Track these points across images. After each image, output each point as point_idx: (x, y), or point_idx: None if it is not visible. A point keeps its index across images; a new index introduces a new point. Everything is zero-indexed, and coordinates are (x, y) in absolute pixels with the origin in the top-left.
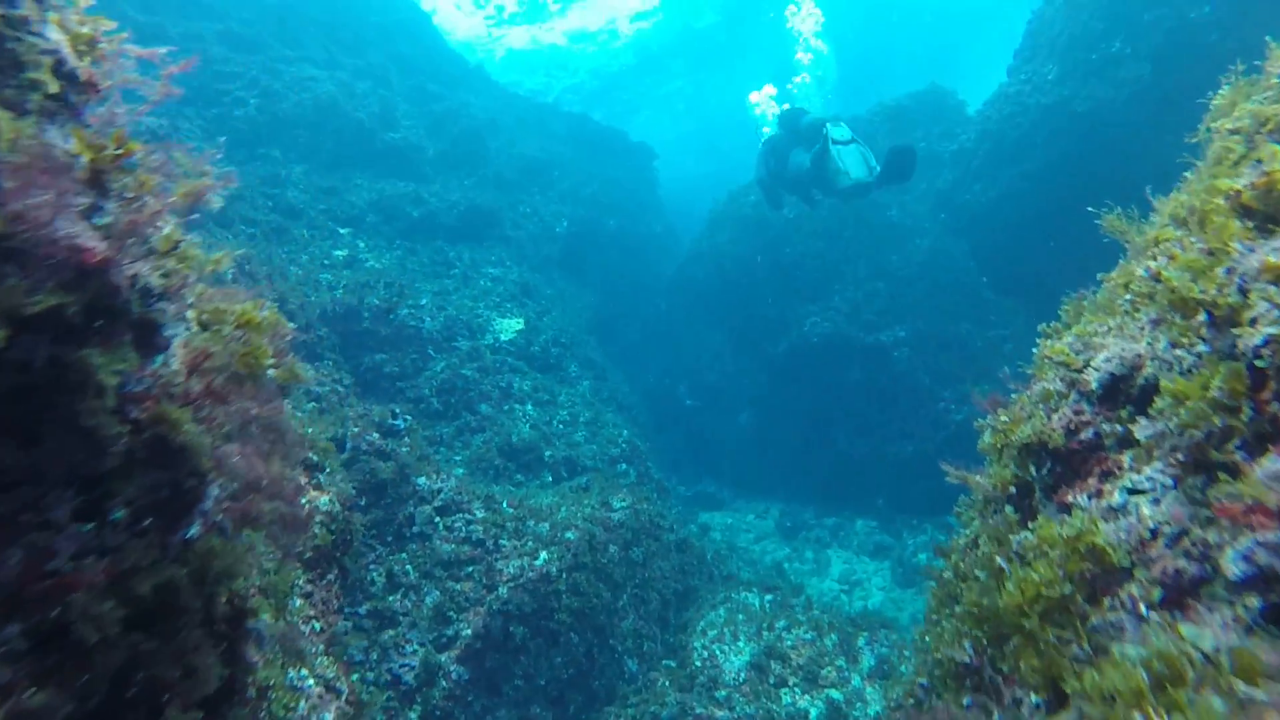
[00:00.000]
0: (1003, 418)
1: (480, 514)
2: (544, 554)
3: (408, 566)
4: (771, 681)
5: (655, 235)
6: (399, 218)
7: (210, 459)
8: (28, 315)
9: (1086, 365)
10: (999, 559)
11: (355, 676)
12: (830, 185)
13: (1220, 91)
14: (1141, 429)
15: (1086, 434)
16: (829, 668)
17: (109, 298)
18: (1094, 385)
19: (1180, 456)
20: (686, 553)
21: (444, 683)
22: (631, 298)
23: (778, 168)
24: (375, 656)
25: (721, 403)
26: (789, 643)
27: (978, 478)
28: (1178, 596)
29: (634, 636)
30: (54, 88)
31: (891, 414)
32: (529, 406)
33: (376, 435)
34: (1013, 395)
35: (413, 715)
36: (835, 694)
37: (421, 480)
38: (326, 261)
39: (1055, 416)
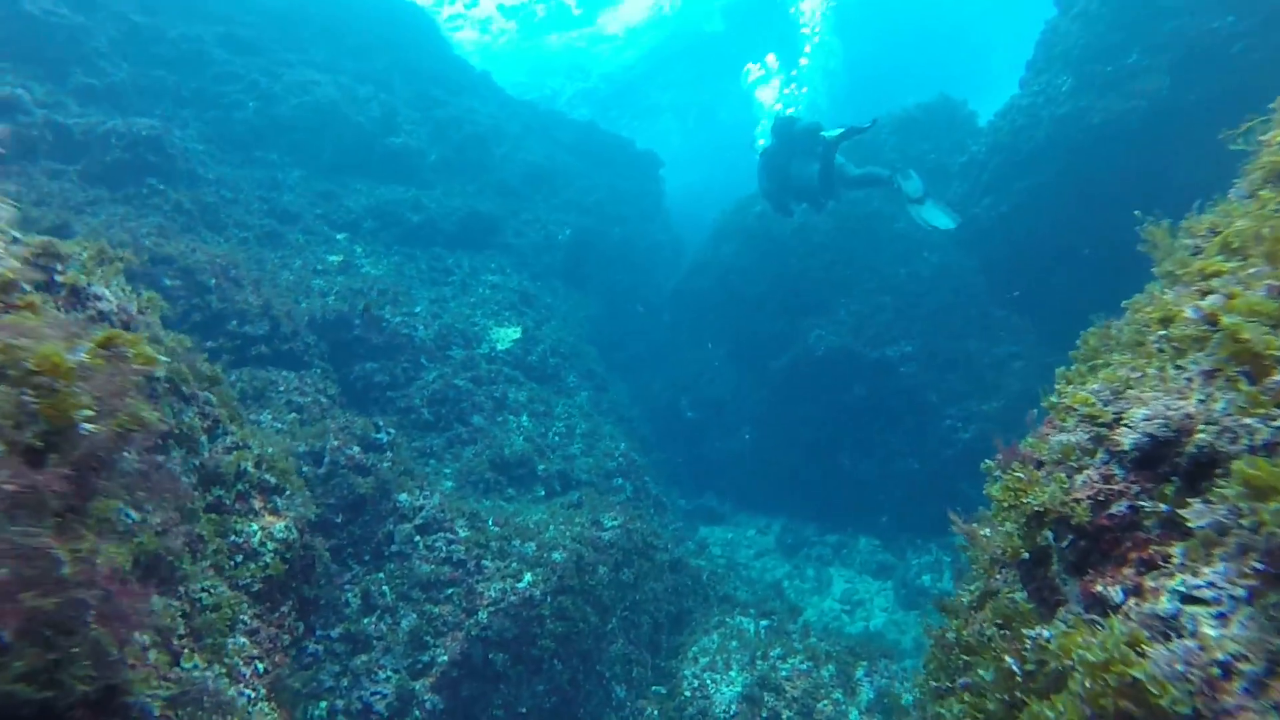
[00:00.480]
0: (1016, 474)
1: (463, 533)
2: (528, 576)
3: (384, 587)
4: (764, 715)
5: (660, 245)
6: (397, 224)
7: None
8: None
9: (1118, 421)
10: (1008, 659)
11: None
12: (845, 175)
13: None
14: (1196, 515)
15: (1119, 507)
16: (825, 701)
17: None
18: (1127, 446)
19: (1257, 562)
20: (681, 573)
21: (417, 712)
22: (634, 309)
23: (783, 176)
24: (346, 683)
25: (724, 416)
26: (784, 673)
27: (984, 533)
28: None
29: (622, 662)
30: None
31: (897, 431)
32: (524, 418)
33: (357, 449)
34: (1025, 439)
35: None
36: None
37: (403, 497)
38: (320, 267)
39: (1080, 480)
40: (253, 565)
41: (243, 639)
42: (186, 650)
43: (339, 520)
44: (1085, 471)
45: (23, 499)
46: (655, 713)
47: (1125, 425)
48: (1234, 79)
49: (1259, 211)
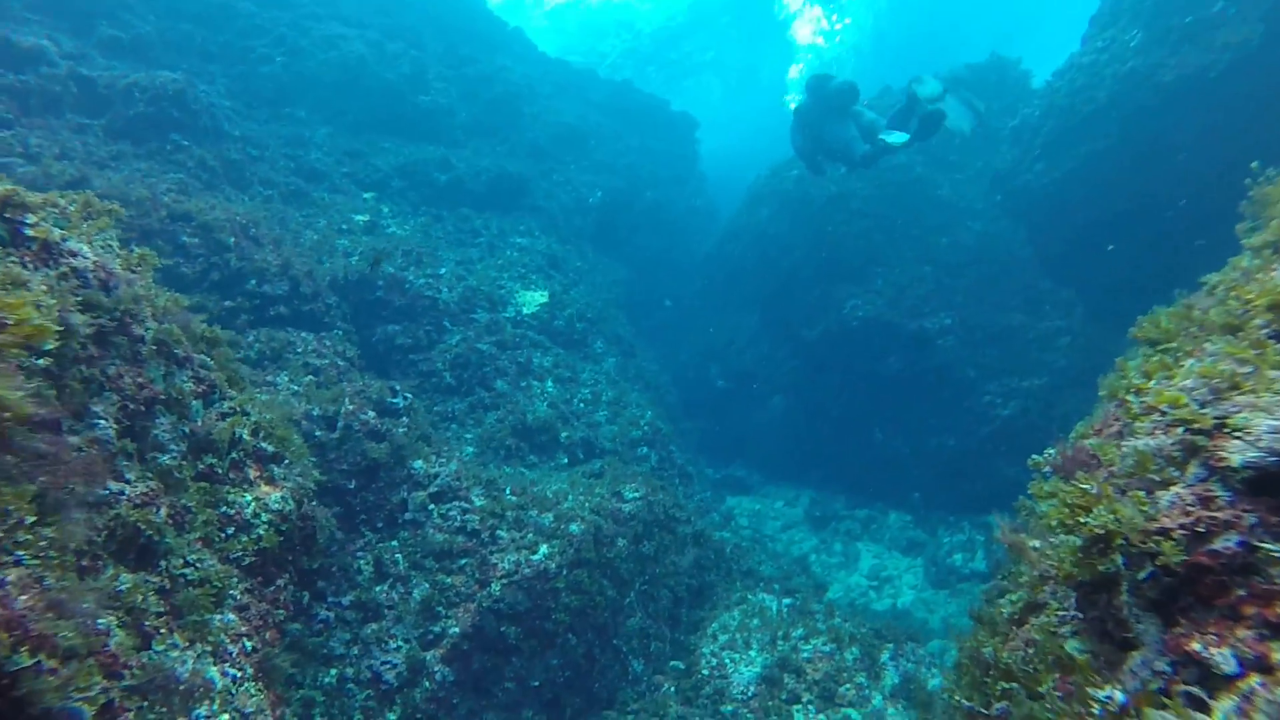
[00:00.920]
0: (1080, 486)
1: (479, 502)
2: (544, 548)
3: (397, 556)
4: (783, 697)
5: (695, 209)
6: (425, 184)
7: None
8: None
9: (1221, 428)
10: None
11: (332, 674)
12: (884, 142)
13: None
14: None
15: (1227, 542)
16: (848, 684)
17: None
18: (1237, 463)
19: None
20: (704, 546)
21: (427, 683)
22: (667, 273)
23: (814, 135)
24: (356, 651)
25: (754, 385)
26: (805, 654)
27: (1034, 545)
28: None
29: (640, 636)
30: None
31: (932, 406)
32: (548, 384)
33: (373, 414)
34: (1077, 431)
35: (391, 717)
36: (853, 714)
37: (418, 464)
38: (345, 226)
39: (1166, 500)
40: (245, 538)
41: (231, 615)
42: (163, 630)
43: (352, 486)
44: (1173, 488)
45: None
46: (672, 689)
47: (1234, 435)
48: None
49: None
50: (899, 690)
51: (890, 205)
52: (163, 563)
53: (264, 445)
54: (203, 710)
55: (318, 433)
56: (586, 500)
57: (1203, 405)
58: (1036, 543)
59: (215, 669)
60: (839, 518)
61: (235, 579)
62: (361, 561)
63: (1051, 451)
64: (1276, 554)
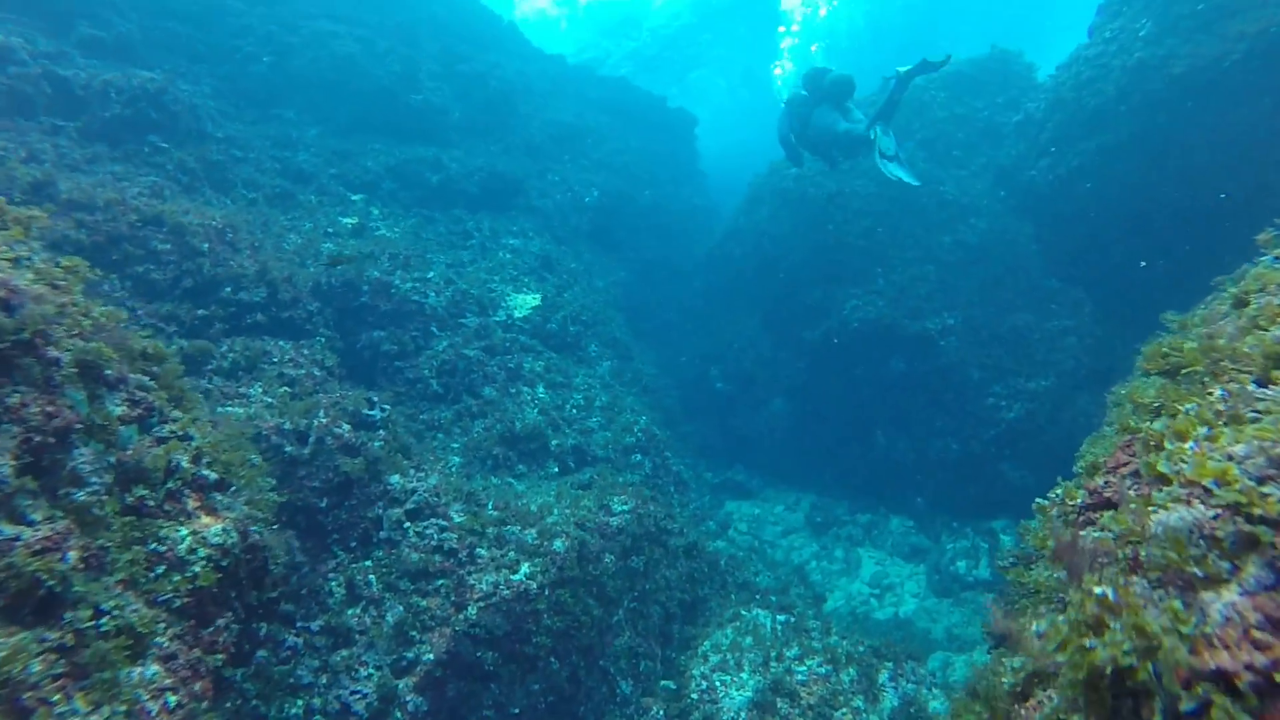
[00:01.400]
0: (1085, 596)
1: (458, 519)
2: (525, 567)
3: (370, 577)
4: None
5: (694, 208)
6: (417, 184)
7: None
8: None
9: None
10: None
11: (299, 704)
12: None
13: None
14: None
15: None
16: (844, 709)
17: None
18: None
19: None
20: (696, 559)
21: (399, 714)
22: (668, 274)
23: (801, 127)
24: (325, 681)
25: (755, 388)
26: (800, 676)
27: (1033, 630)
28: None
29: (629, 656)
30: None
31: (936, 408)
32: (539, 389)
33: (347, 427)
34: (1077, 475)
35: None
36: None
37: (394, 479)
38: (331, 230)
39: (1217, 613)
40: (178, 577)
41: (154, 668)
42: (55, 697)
43: (323, 505)
44: (1224, 594)
45: None
46: (661, 713)
47: None
48: None
49: None
50: (898, 714)
51: (891, 203)
52: (68, 615)
53: (206, 472)
54: None
55: (288, 448)
56: (572, 514)
57: (1262, 482)
58: (1040, 626)
59: None
60: (840, 523)
61: (163, 624)
62: (333, 583)
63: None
64: None
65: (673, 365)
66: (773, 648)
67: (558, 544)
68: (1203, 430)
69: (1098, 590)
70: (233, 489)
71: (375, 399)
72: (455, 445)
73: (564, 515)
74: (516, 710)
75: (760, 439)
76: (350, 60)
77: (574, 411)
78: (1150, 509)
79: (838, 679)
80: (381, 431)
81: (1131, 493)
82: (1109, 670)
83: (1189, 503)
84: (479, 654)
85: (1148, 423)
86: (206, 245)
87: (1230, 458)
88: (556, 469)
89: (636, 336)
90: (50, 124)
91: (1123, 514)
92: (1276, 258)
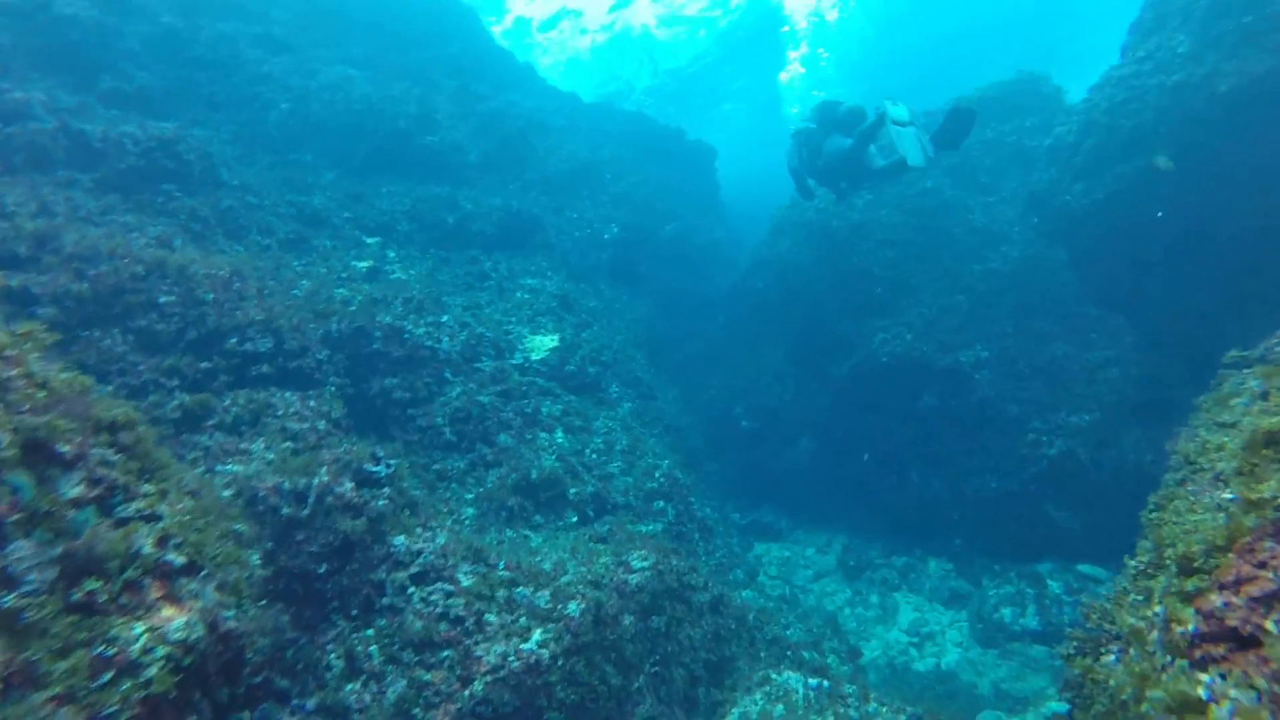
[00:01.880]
0: None
1: (466, 581)
2: (537, 634)
3: (372, 648)
4: None
5: (716, 242)
6: (434, 225)
7: None
8: None
9: None
10: None
11: None
12: (868, 166)
13: None
14: None
15: None
16: None
17: None
18: None
19: None
20: (723, 614)
21: None
22: (691, 308)
23: (811, 157)
24: None
25: (781, 425)
26: None
27: None
28: None
29: None
30: None
31: (972, 445)
32: (558, 434)
33: (350, 485)
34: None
35: None
36: None
37: (399, 540)
38: (345, 274)
39: None
40: (128, 684)
41: None
42: None
43: (322, 570)
44: None
45: None
46: None
47: None
48: None
49: None
50: None
51: (918, 232)
52: None
53: (172, 556)
54: None
55: (285, 509)
56: (588, 572)
57: None
58: None
59: None
60: (874, 566)
61: None
62: (332, 655)
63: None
64: None
65: (697, 402)
66: (805, 718)
67: (572, 607)
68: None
69: None
70: (203, 573)
71: (380, 454)
72: (469, 496)
73: (579, 574)
74: None
75: (788, 477)
76: (367, 103)
77: (594, 456)
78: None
79: None
80: (386, 489)
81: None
82: None
83: None
84: None
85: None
86: (212, 295)
87: None
88: (575, 518)
89: (658, 373)
90: (68, 177)
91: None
92: None
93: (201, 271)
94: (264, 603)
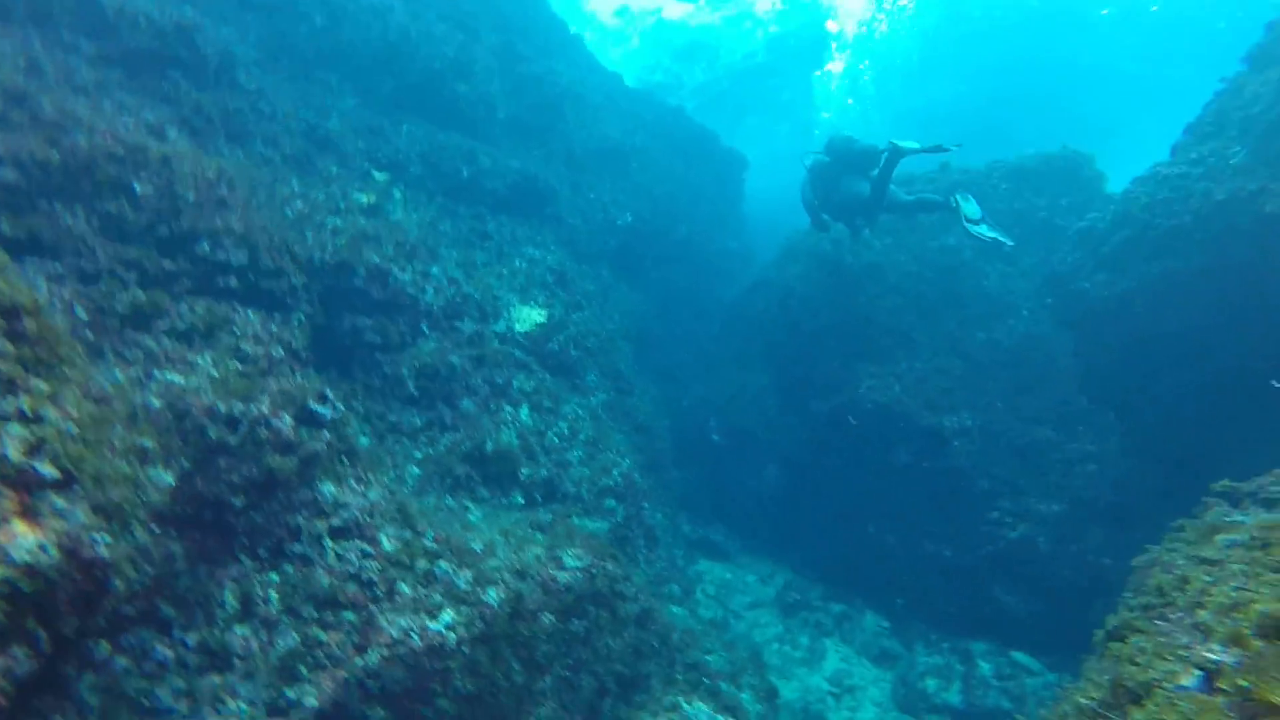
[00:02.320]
0: None
1: (388, 546)
2: (448, 614)
3: (271, 593)
4: None
5: (728, 252)
6: (447, 174)
7: None
8: None
9: None
10: None
11: None
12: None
13: None
14: None
15: None
16: None
17: None
18: None
19: None
20: (647, 629)
21: None
22: (689, 313)
23: (826, 191)
24: (184, 708)
25: (752, 448)
26: None
27: None
28: None
29: None
30: None
31: (935, 510)
32: (523, 411)
33: (289, 421)
34: None
35: None
36: None
37: (328, 488)
38: (344, 205)
39: None
40: None
41: None
42: None
43: (238, 504)
44: None
45: None
46: None
47: None
48: None
49: None
50: None
51: (930, 286)
52: None
53: (42, 467)
54: None
55: (213, 432)
56: (517, 560)
57: None
58: None
59: None
60: (812, 607)
61: None
62: (227, 593)
63: None
64: None
65: (675, 406)
66: None
67: (491, 593)
68: None
69: None
70: (76, 489)
71: (329, 394)
72: (418, 455)
73: (508, 560)
74: None
75: (747, 501)
76: (404, 36)
77: (555, 440)
78: None
79: None
80: (327, 432)
81: None
82: None
83: None
84: (367, 712)
85: None
86: (193, 195)
87: None
88: (522, 500)
89: (642, 371)
90: (71, 40)
91: None
92: None
93: (188, 169)
94: (156, 528)
